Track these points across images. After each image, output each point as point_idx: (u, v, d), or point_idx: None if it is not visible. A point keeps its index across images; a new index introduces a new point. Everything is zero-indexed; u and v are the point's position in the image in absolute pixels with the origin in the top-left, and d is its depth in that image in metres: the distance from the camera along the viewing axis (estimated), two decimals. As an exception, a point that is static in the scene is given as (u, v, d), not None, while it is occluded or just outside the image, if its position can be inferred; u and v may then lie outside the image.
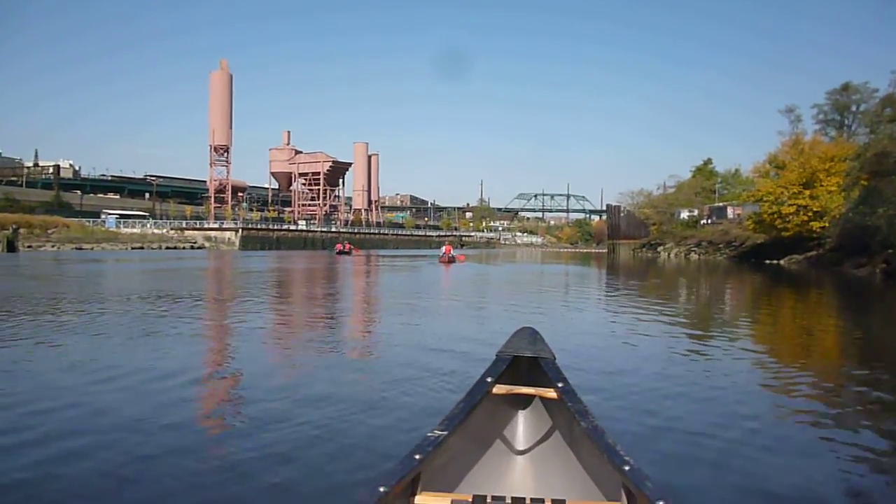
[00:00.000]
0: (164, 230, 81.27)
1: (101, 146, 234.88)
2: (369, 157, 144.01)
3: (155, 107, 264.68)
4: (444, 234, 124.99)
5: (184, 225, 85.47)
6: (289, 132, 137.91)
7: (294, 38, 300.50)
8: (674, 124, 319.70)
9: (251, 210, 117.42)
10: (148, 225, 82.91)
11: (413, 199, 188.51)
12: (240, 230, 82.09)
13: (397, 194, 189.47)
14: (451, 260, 38.21)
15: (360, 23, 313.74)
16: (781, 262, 45.29)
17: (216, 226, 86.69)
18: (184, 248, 73.09)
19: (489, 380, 2.66)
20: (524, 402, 2.83)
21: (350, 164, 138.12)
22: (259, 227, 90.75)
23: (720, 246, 60.37)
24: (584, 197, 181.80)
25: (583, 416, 2.38)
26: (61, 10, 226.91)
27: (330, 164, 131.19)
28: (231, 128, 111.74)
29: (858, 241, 34.36)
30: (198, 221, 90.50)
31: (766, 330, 11.38)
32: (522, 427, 2.85)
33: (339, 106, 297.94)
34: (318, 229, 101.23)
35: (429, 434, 2.26)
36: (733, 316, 13.94)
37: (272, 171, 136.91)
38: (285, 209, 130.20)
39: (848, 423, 4.82)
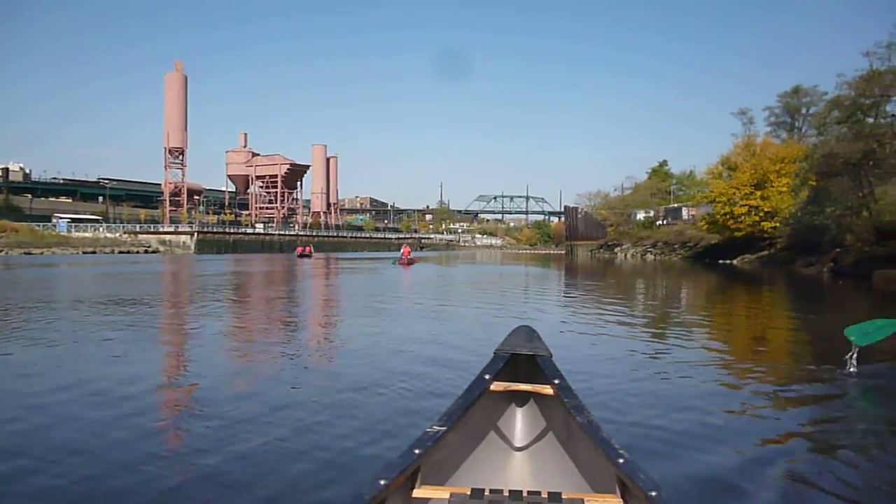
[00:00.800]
0: (118, 234, 79.48)
1: (52, 147, 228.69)
2: (328, 159, 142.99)
3: (109, 109, 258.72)
4: (403, 236, 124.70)
5: (137, 229, 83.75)
6: (245, 134, 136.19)
7: (251, 40, 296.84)
8: (631, 127, 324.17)
9: (208, 213, 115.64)
10: (101, 229, 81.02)
11: (373, 201, 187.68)
12: (195, 234, 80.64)
13: (357, 197, 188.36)
14: (411, 262, 38.49)
15: (316, 26, 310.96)
16: (734, 261, 46.25)
17: (171, 229, 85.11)
18: (137, 252, 71.58)
19: (487, 377, 2.72)
20: (521, 398, 2.88)
21: (308, 167, 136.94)
22: (215, 230, 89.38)
23: (675, 246, 61.43)
24: (543, 199, 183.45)
25: (578, 411, 2.44)
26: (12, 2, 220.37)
27: (287, 166, 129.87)
28: (186, 130, 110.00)
29: (808, 241, 35.29)
30: (152, 225, 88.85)
31: (717, 327, 11.63)
32: (520, 423, 2.90)
33: (297, 109, 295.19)
34: (276, 232, 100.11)
35: (428, 429, 2.31)
36: (686, 313, 14.17)
37: (229, 173, 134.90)
38: (243, 212, 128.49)
39: (789, 410, 5.23)
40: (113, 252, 68.73)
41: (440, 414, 2.46)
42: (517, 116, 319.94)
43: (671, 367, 6.82)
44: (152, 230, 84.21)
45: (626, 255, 67.70)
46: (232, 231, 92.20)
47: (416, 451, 2.18)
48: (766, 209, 45.32)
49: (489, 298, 16.36)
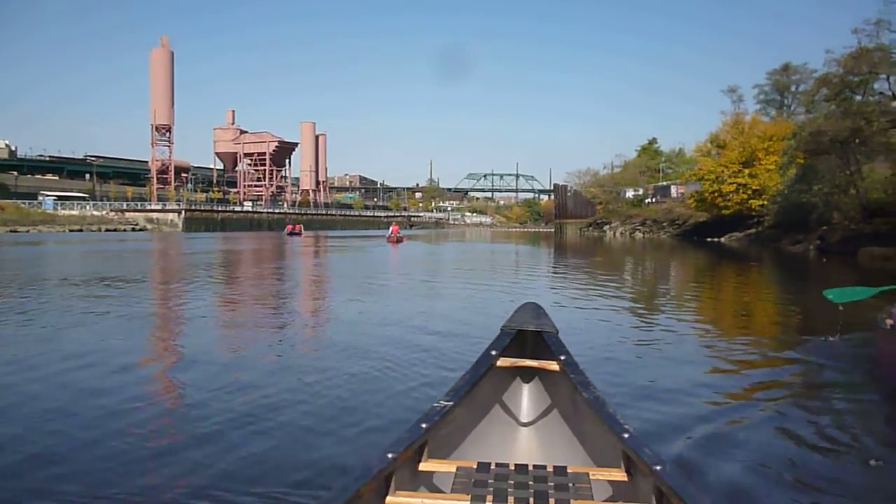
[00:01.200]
0: (104, 212, 78.73)
1: (39, 124, 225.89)
2: (317, 137, 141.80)
3: (96, 84, 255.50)
4: (392, 214, 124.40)
5: (124, 206, 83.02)
6: (233, 111, 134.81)
7: (241, 22, 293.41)
8: (621, 105, 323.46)
9: (196, 191, 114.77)
10: (87, 207, 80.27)
11: (363, 179, 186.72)
12: (182, 211, 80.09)
13: (346, 175, 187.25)
14: (399, 240, 38.68)
15: (305, 7, 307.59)
16: (722, 239, 46.43)
17: (159, 207, 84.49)
18: (124, 230, 71.06)
19: (494, 353, 2.74)
20: (528, 374, 2.91)
21: (296, 145, 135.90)
22: (203, 208, 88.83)
23: (664, 224, 61.62)
24: (532, 177, 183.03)
25: (584, 387, 2.46)
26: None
27: (276, 144, 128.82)
28: (173, 107, 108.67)
29: (795, 219, 35.44)
30: (139, 203, 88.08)
31: (703, 301, 11.72)
32: (526, 398, 2.93)
33: (286, 88, 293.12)
34: (265, 210, 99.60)
35: (435, 404, 2.35)
36: (673, 289, 14.26)
37: (217, 151, 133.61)
38: (231, 190, 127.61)
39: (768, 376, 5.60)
40: (100, 230, 68.18)
41: (447, 389, 2.48)
42: (507, 95, 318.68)
43: (659, 336, 7.19)
44: (140, 208, 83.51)
45: (615, 233, 67.87)
46: (220, 209, 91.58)
47: (424, 426, 2.21)
48: (754, 187, 45.37)
49: (477, 277, 16.38)
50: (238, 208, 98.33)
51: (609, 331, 7.64)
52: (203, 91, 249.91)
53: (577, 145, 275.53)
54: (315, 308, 10.35)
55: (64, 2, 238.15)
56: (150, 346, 6.73)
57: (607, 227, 71.38)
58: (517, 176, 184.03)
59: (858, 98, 32.02)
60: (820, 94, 35.85)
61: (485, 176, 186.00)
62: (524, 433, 2.87)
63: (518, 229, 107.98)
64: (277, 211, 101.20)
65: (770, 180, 44.45)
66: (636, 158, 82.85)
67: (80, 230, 66.42)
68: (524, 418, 2.90)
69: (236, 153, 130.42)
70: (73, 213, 75.76)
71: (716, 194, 47.68)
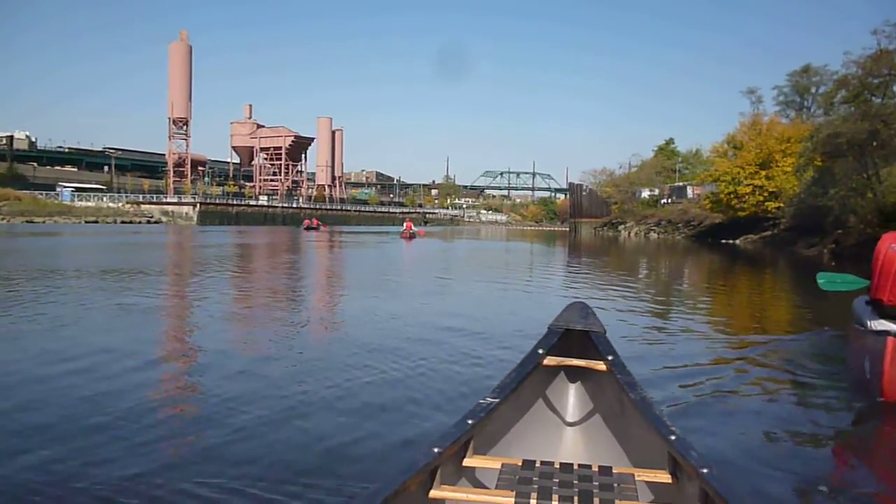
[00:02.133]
0: (120, 204, 79.38)
1: (58, 114, 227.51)
2: (333, 132, 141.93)
3: (116, 76, 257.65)
4: (407, 210, 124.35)
5: (140, 199, 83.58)
6: (250, 106, 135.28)
7: (260, 17, 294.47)
8: (639, 106, 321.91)
9: (212, 184, 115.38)
10: (104, 199, 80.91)
11: (379, 175, 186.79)
12: (197, 205, 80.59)
13: (363, 171, 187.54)
14: (412, 236, 38.99)
15: (324, 4, 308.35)
16: (737, 241, 45.90)
17: (175, 200, 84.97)
18: (140, 222, 71.68)
19: (541, 351, 2.75)
20: (574, 373, 2.93)
21: (312, 139, 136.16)
22: (217, 201, 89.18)
23: (679, 225, 61.02)
24: (549, 175, 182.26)
25: (631, 388, 2.45)
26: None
27: (292, 138, 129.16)
28: (190, 100, 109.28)
29: (811, 222, 34.94)
30: (155, 195, 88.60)
31: (712, 301, 11.55)
32: (572, 398, 2.95)
33: (304, 84, 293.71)
34: (280, 205, 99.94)
35: (481, 401, 2.36)
36: (684, 291, 14.09)
37: (233, 145, 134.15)
38: (247, 184, 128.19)
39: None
40: (115, 222, 68.79)
41: (493, 387, 2.48)
42: (524, 95, 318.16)
43: (671, 334, 7.67)
44: (155, 200, 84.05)
45: (629, 233, 67.34)
46: (235, 203, 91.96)
47: (469, 422, 2.22)
48: (770, 189, 44.82)
49: (485, 274, 16.26)
50: (253, 202, 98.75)
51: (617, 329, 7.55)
52: (221, 85, 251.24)
53: (594, 145, 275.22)
54: (323, 305, 10.27)
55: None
56: (161, 343, 6.67)
57: (622, 226, 70.82)
58: (534, 174, 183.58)
59: (878, 100, 31.48)
60: (839, 97, 35.31)
61: (501, 174, 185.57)
62: (569, 432, 2.88)
63: (533, 228, 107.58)
64: (292, 206, 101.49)
65: (787, 182, 43.87)
66: (652, 158, 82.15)
67: (96, 221, 67.06)
68: (570, 417, 2.92)
69: (253, 147, 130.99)
70: (90, 204, 76.39)
71: (731, 196, 47.16)
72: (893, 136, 28.48)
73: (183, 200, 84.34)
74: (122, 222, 69.40)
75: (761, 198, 45.24)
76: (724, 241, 47.48)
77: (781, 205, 43.88)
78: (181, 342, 6.90)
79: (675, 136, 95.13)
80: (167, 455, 3.46)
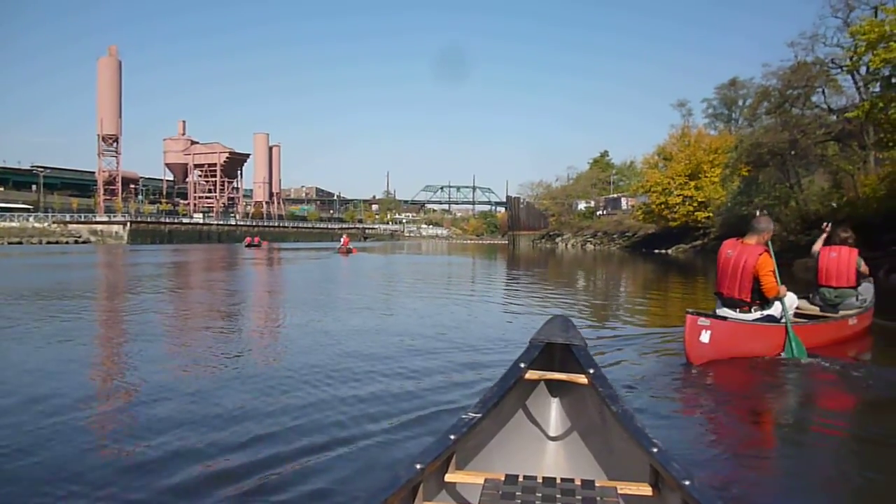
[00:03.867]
0: (46, 224, 76.51)
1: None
2: (270, 148, 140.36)
3: (44, 95, 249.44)
4: (347, 226, 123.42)
5: (67, 218, 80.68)
6: (184, 122, 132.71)
7: (192, 30, 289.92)
8: (576, 117, 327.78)
9: (147, 202, 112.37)
10: (30, 219, 77.85)
11: (319, 191, 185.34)
12: (128, 223, 78.20)
13: (303, 187, 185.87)
14: (349, 251, 39.93)
15: (257, 14, 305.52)
16: (669, 251, 46.71)
17: (105, 219, 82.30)
18: (67, 242, 69.19)
19: (522, 365, 2.73)
20: (556, 387, 2.91)
21: (248, 156, 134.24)
22: (149, 220, 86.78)
23: (614, 236, 62.07)
24: (490, 189, 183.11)
25: (613, 401, 2.45)
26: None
27: (227, 154, 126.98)
28: (121, 117, 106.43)
29: (739, 231, 35.41)
30: (83, 215, 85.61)
31: (637, 306, 11.52)
32: (554, 411, 2.94)
33: (240, 97, 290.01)
34: (215, 222, 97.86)
35: (463, 416, 2.34)
36: (613, 297, 14.11)
37: (167, 162, 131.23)
38: (181, 202, 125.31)
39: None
40: (41, 242, 66.31)
41: (475, 401, 2.46)
42: (463, 109, 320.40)
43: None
44: (83, 220, 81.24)
45: (566, 244, 68.16)
46: (167, 221, 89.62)
47: (452, 437, 2.21)
48: (699, 199, 45.92)
49: (418, 289, 16.05)
50: (186, 220, 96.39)
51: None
52: (154, 102, 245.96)
53: (533, 158, 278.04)
54: (258, 324, 9.77)
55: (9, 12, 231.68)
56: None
57: (559, 238, 71.67)
58: (474, 188, 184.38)
59: (797, 111, 32.54)
60: (761, 108, 36.42)
61: (442, 188, 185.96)
62: (552, 446, 2.87)
63: (474, 241, 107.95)
64: (228, 223, 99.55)
65: (715, 192, 45.02)
66: (588, 171, 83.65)
67: (20, 243, 64.42)
68: (552, 431, 2.90)
69: (187, 164, 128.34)
70: (14, 224, 73.45)
71: (662, 206, 48.13)
72: (811, 145, 29.42)
73: (112, 219, 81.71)
74: (49, 242, 66.92)
75: (691, 208, 46.30)
76: (656, 250, 48.32)
77: (710, 214, 44.97)
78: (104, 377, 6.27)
79: (611, 148, 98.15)
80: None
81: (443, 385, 5.26)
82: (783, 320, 6.53)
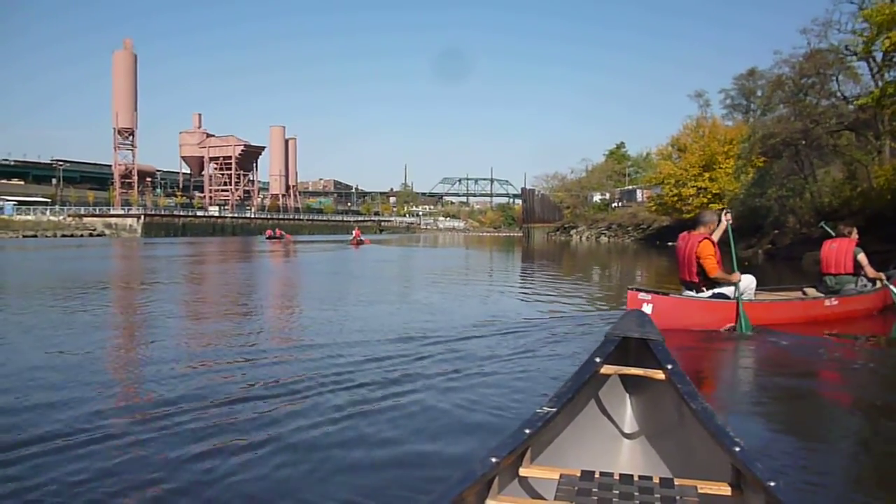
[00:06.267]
0: (61, 217, 77.00)
1: (6, 132, 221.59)
2: (286, 141, 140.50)
3: (60, 86, 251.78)
4: (363, 219, 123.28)
5: (82, 211, 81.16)
6: (200, 115, 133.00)
7: (209, 23, 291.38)
8: (594, 108, 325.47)
9: (163, 196, 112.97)
10: (46, 212, 78.44)
11: (337, 184, 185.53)
12: (142, 217, 78.49)
13: (321, 179, 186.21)
14: (360, 243, 42.31)
15: (273, 8, 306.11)
16: (682, 244, 45.68)
17: (121, 212, 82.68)
18: (81, 235, 69.49)
19: (597, 360, 2.70)
20: (632, 382, 2.86)
21: (263, 148, 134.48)
22: (163, 213, 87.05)
23: (629, 229, 61.13)
24: (507, 181, 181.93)
25: (691, 397, 2.40)
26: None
27: (242, 147, 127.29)
28: (136, 110, 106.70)
29: (752, 223, 34.89)
30: (98, 208, 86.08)
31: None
32: (630, 407, 2.89)
33: (258, 90, 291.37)
34: (229, 215, 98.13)
35: (538, 410, 2.32)
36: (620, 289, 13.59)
37: (182, 155, 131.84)
38: (197, 194, 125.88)
39: None
40: (55, 235, 66.63)
41: (549, 396, 2.44)
42: (483, 101, 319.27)
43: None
44: (98, 213, 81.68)
45: (581, 237, 67.26)
46: (181, 214, 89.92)
47: (527, 431, 2.19)
48: (713, 191, 44.87)
49: (422, 281, 16.09)
50: (201, 213, 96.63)
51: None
52: (171, 95, 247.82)
53: (551, 150, 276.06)
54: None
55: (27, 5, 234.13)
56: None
57: (574, 231, 70.76)
58: (492, 180, 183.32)
59: (812, 100, 31.49)
60: (776, 97, 35.39)
61: (459, 181, 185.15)
62: (627, 442, 2.83)
63: (490, 234, 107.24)
64: (242, 216, 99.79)
65: (729, 184, 43.97)
66: (603, 163, 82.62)
67: (35, 236, 64.79)
68: (628, 427, 2.86)
69: (202, 157, 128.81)
70: (29, 218, 74.03)
71: (676, 198, 47.14)
72: (823, 135, 28.41)
73: (126, 213, 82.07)
74: (63, 236, 67.25)
75: (705, 199, 45.18)
76: (670, 243, 47.26)
77: (725, 206, 43.86)
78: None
79: (627, 140, 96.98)
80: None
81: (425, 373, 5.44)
82: (735, 298, 7.50)
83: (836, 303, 8.58)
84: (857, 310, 8.83)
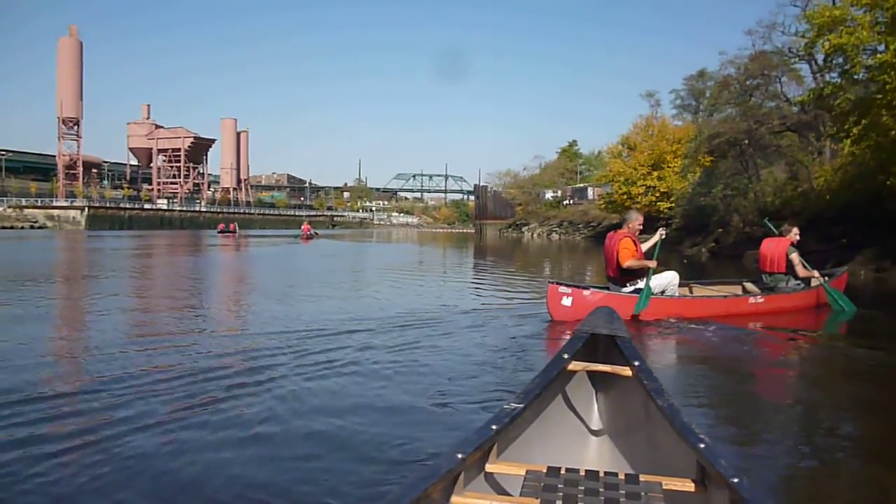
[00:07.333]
0: (1, 209, 74.45)
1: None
2: (238, 133, 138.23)
3: (4, 74, 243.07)
4: (315, 214, 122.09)
5: (23, 202, 78.59)
6: (149, 106, 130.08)
7: (154, 10, 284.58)
8: (547, 106, 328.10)
9: (110, 188, 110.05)
10: (-16, 203, 75.86)
11: (290, 178, 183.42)
12: (86, 208, 76.38)
13: (274, 173, 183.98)
14: (311, 237, 43.20)
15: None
16: (631, 241, 46.23)
17: (61, 203, 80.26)
18: (22, 227, 67.54)
19: (566, 356, 2.70)
20: (600, 379, 2.87)
21: (213, 141, 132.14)
22: (108, 205, 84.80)
23: (580, 226, 61.65)
24: (462, 178, 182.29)
25: (658, 394, 2.41)
26: None
27: (191, 139, 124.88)
28: (82, 99, 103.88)
29: (699, 222, 35.44)
30: (41, 199, 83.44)
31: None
32: (597, 403, 2.90)
33: (211, 85, 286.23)
34: (178, 208, 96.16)
35: (505, 406, 2.32)
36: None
37: (130, 146, 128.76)
38: (146, 187, 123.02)
39: None
40: (-6, 227, 64.50)
41: (517, 392, 2.44)
42: (436, 97, 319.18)
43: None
44: (40, 204, 79.20)
45: (532, 234, 67.70)
46: (128, 206, 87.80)
47: (493, 427, 2.19)
48: (661, 189, 45.42)
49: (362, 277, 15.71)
50: (148, 206, 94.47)
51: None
52: (118, 84, 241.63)
53: (505, 146, 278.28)
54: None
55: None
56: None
57: (526, 228, 71.16)
58: (446, 176, 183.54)
59: (756, 101, 32.06)
60: (722, 97, 35.95)
61: (414, 176, 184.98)
62: (595, 439, 2.83)
63: (444, 230, 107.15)
64: (191, 209, 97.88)
65: (677, 183, 44.58)
66: (556, 160, 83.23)
67: (-29, 228, 62.64)
68: (595, 424, 2.87)
69: (151, 149, 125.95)
70: (-37, 209, 71.46)
71: (625, 196, 47.59)
72: (766, 135, 28.96)
73: (70, 204, 79.74)
74: (2, 227, 65.15)
75: (654, 198, 45.75)
76: (618, 241, 47.79)
77: (672, 205, 44.53)
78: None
79: (580, 138, 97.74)
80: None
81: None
82: (654, 293, 7.96)
83: (761, 300, 8.88)
84: (783, 307, 9.06)
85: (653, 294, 7.94)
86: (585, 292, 7.89)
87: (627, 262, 7.90)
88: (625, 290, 8.08)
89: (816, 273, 9.34)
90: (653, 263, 7.95)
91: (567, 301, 7.66)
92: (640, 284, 7.99)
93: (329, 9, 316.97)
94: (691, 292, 9.29)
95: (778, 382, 5.84)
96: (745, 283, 9.75)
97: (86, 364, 5.57)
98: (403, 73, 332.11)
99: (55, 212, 76.29)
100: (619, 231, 8.35)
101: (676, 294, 8.40)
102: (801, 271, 9.26)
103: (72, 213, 76.03)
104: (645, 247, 8.51)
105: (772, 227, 10.26)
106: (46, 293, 11.54)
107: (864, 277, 15.67)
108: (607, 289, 8.30)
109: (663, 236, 8.65)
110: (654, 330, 7.60)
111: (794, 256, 9.22)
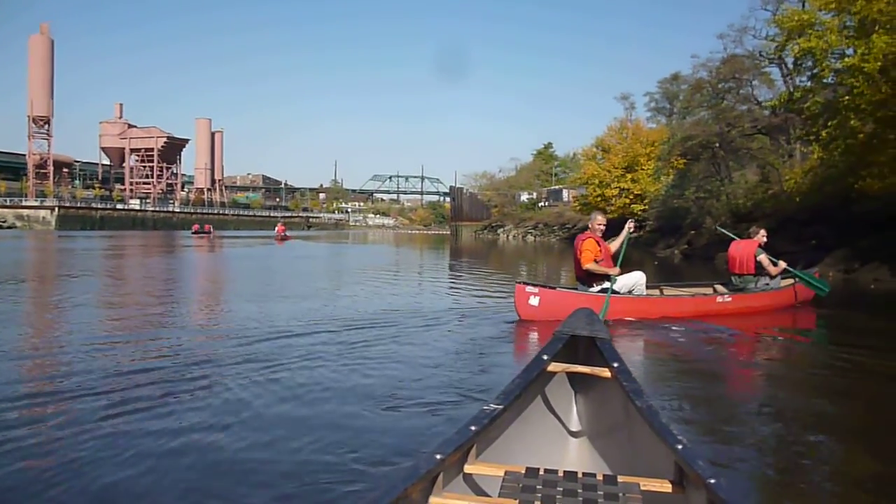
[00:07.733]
0: (-32, 208, 73.20)
1: None
2: (213, 134, 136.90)
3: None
4: (290, 215, 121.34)
5: (-8, 202, 77.34)
6: (121, 105, 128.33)
7: (133, 10, 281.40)
8: (525, 108, 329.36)
9: (82, 187, 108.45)
10: (-50, 202, 74.40)
11: (266, 179, 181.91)
12: (56, 208, 75.21)
13: (249, 174, 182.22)
14: (284, 238, 42.92)
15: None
16: (606, 243, 46.47)
17: (31, 203, 78.95)
18: (-11, 227, 66.23)
19: (545, 357, 2.71)
20: (579, 380, 2.88)
21: (187, 141, 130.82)
22: (80, 205, 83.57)
23: (555, 228, 61.91)
24: (438, 179, 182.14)
25: (637, 395, 2.42)
26: None
27: (164, 139, 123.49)
28: (52, 97, 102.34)
29: (672, 223, 35.72)
30: (10, 199, 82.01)
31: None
32: (576, 404, 2.91)
33: (185, 82, 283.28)
34: (151, 209, 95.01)
35: (485, 407, 2.32)
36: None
37: (103, 146, 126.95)
38: (118, 187, 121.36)
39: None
40: (-40, 227, 63.27)
41: (497, 393, 2.43)
42: (412, 98, 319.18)
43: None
44: (9, 204, 77.85)
45: (508, 236, 67.87)
46: (100, 206, 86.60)
47: (472, 428, 2.19)
48: (635, 192, 45.74)
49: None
50: (120, 206, 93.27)
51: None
52: (91, 83, 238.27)
53: (481, 148, 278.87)
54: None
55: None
56: None
57: (501, 230, 71.31)
58: (422, 178, 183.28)
59: (728, 104, 32.40)
60: (695, 100, 36.29)
61: (390, 178, 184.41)
62: (573, 440, 2.84)
63: (420, 232, 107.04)
64: (164, 210, 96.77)
65: (651, 185, 44.92)
66: (531, 162, 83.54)
67: (-63, 228, 61.41)
68: (574, 425, 2.88)
69: (123, 149, 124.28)
70: (-68, 209, 70.05)
71: (599, 198, 47.83)
72: (738, 138, 29.29)
73: (40, 204, 78.46)
74: (-31, 227, 63.96)
75: (627, 200, 46.03)
76: (593, 242, 48.01)
77: (646, 207, 44.86)
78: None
79: (556, 140, 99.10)
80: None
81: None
82: (619, 293, 8.10)
83: (729, 300, 9.09)
84: (752, 307, 9.25)
85: (619, 293, 8.09)
86: (552, 292, 8.06)
87: (587, 265, 8.10)
88: (592, 290, 8.22)
89: (783, 264, 9.54)
90: (614, 271, 8.10)
91: (534, 301, 7.85)
92: (608, 284, 8.12)
93: (300, 5, 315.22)
94: (662, 294, 9.40)
95: (752, 382, 5.88)
96: (715, 286, 9.89)
97: (45, 365, 5.47)
98: (378, 74, 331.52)
99: (25, 211, 75.12)
100: (584, 232, 8.62)
101: (644, 294, 8.54)
102: (772, 270, 9.46)
103: (42, 212, 74.91)
104: (614, 245, 8.70)
105: (729, 234, 10.59)
106: (12, 293, 11.32)
107: (833, 278, 15.86)
108: (576, 289, 8.42)
109: (631, 230, 8.86)
110: (625, 331, 7.62)
111: (763, 258, 9.38)
